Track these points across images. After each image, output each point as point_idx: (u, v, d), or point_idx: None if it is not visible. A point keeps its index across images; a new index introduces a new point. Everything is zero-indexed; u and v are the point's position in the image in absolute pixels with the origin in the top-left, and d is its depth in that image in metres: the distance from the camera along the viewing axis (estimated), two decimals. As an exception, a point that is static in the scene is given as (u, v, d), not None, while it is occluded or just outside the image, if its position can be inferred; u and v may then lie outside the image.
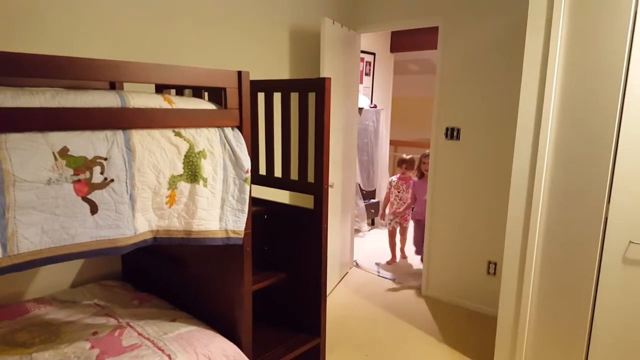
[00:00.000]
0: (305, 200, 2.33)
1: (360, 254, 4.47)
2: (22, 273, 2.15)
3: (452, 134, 3.42)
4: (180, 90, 2.18)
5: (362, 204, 5.23)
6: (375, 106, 5.76)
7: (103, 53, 2.29)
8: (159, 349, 1.72)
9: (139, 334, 1.83)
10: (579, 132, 2.18)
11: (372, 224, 5.64)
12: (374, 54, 5.83)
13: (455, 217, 3.49)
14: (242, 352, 1.86)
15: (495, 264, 3.28)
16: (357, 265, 4.29)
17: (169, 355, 1.68)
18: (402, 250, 4.51)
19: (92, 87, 1.61)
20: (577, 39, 2.12)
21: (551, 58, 2.19)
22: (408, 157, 4.50)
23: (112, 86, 2.15)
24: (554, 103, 2.22)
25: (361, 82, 5.63)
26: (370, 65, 5.86)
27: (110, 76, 1.46)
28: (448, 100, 3.43)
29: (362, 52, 5.13)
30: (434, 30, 3.46)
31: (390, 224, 4.41)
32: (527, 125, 2.32)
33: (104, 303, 2.14)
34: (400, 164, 4.49)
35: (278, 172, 2.41)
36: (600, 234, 2.16)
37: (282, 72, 3.35)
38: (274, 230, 2.43)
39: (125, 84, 2.14)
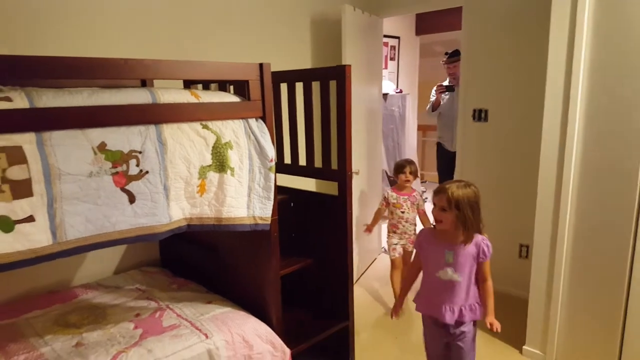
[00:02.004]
0: (331, 188, 2.40)
1: (389, 239, 4.51)
2: (70, 262, 2.32)
3: (480, 115, 3.39)
4: (206, 85, 2.28)
5: (389, 190, 5.24)
6: (400, 91, 5.74)
7: (131, 51, 2.40)
8: (197, 328, 1.84)
9: (178, 315, 1.96)
10: (609, 107, 2.10)
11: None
12: (398, 37, 5.79)
13: (485, 200, 3.41)
14: (273, 332, 1.97)
15: (527, 247, 3.25)
16: (385, 251, 4.33)
17: (205, 334, 1.80)
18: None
19: (124, 85, 1.72)
20: (606, 5, 2.04)
21: (578, 29, 2.11)
22: (407, 163, 3.22)
23: (143, 83, 2.26)
24: (583, 78, 2.15)
25: (385, 67, 5.61)
26: (394, 49, 5.82)
27: (141, 74, 1.56)
28: (475, 81, 3.38)
29: (386, 36, 5.11)
30: (460, 9, 3.42)
31: (394, 249, 3.18)
32: (555, 102, 2.26)
33: (144, 287, 2.29)
34: (400, 170, 3.19)
35: (303, 161, 2.49)
36: (635, 212, 2.09)
37: (304, 62, 3.41)
38: (300, 217, 2.52)
39: (155, 81, 2.25)
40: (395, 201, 3.17)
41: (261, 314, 2.00)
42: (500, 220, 3.39)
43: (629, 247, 2.14)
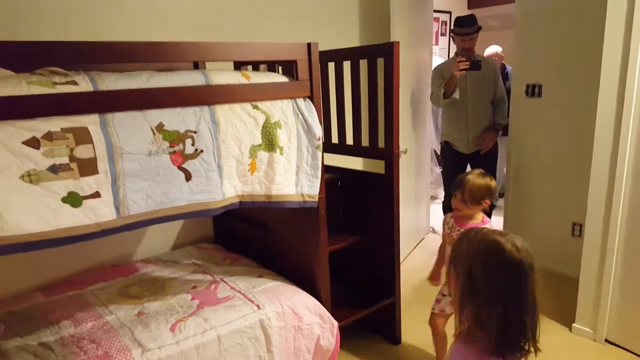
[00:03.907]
0: (378, 166, 2.40)
1: (436, 220, 4.46)
2: (131, 238, 2.47)
3: (533, 91, 3.25)
4: (256, 66, 2.32)
5: (437, 170, 5.16)
6: (451, 68, 5.58)
7: (183, 36, 2.47)
8: (249, 300, 1.92)
9: (232, 288, 2.05)
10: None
11: (451, 189, 5.56)
12: (449, 12, 5.62)
13: (538, 178, 3.35)
14: (322, 305, 2.02)
15: (581, 225, 3.13)
16: (433, 231, 4.30)
17: (257, 305, 1.88)
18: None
19: (178, 68, 1.79)
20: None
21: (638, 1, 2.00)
22: (473, 176, 2.02)
23: (196, 65, 2.33)
24: None
25: (436, 43, 5.46)
26: (445, 25, 5.66)
27: (194, 57, 1.62)
28: (528, 55, 3.24)
29: (437, 11, 4.97)
30: (514, -19, 3.27)
31: (438, 300, 2.20)
32: (611, 77, 2.17)
33: (200, 262, 2.40)
34: (456, 190, 2.06)
35: (350, 140, 2.49)
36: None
37: (352, 40, 3.37)
38: (347, 196, 2.54)
39: (207, 63, 2.31)
40: (448, 232, 2.13)
41: (310, 288, 2.06)
42: (553, 198, 3.30)
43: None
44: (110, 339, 1.68)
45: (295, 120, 1.81)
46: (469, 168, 3.52)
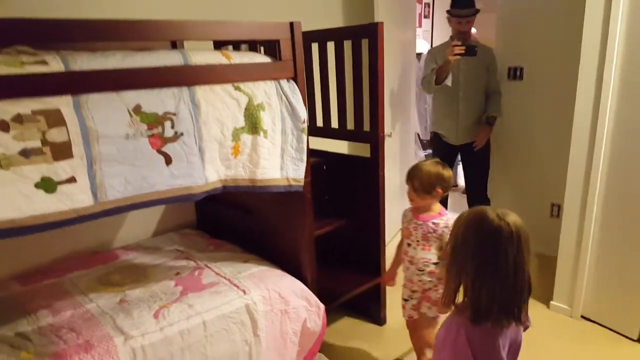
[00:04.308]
0: (363, 150, 2.38)
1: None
2: (110, 224, 2.41)
3: (515, 73, 3.25)
4: (237, 46, 2.25)
5: (421, 153, 5.19)
6: (434, 50, 5.55)
7: (161, 13, 2.38)
8: (235, 285, 1.89)
9: (217, 274, 2.01)
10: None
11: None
12: (432, -6, 5.57)
13: (518, 159, 3.39)
14: (308, 289, 2.01)
15: (559, 206, 3.19)
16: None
17: (243, 290, 1.86)
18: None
19: (155, 48, 1.72)
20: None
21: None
22: (425, 164, 1.87)
23: (174, 45, 2.25)
24: (620, 32, 2.08)
25: (420, 26, 5.42)
26: (429, 6, 5.61)
27: (172, 35, 1.56)
28: (510, 38, 3.24)
29: (419, -7, 4.93)
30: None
31: (403, 306, 2.04)
32: (590, 60, 2.21)
33: (183, 248, 2.35)
34: (408, 179, 1.88)
35: (335, 123, 2.46)
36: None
37: (336, 21, 3.31)
38: (333, 179, 2.51)
39: (185, 42, 2.24)
40: (406, 225, 1.95)
41: (296, 272, 2.04)
42: (533, 179, 3.34)
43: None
44: (91, 327, 1.63)
45: (279, 102, 1.77)
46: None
